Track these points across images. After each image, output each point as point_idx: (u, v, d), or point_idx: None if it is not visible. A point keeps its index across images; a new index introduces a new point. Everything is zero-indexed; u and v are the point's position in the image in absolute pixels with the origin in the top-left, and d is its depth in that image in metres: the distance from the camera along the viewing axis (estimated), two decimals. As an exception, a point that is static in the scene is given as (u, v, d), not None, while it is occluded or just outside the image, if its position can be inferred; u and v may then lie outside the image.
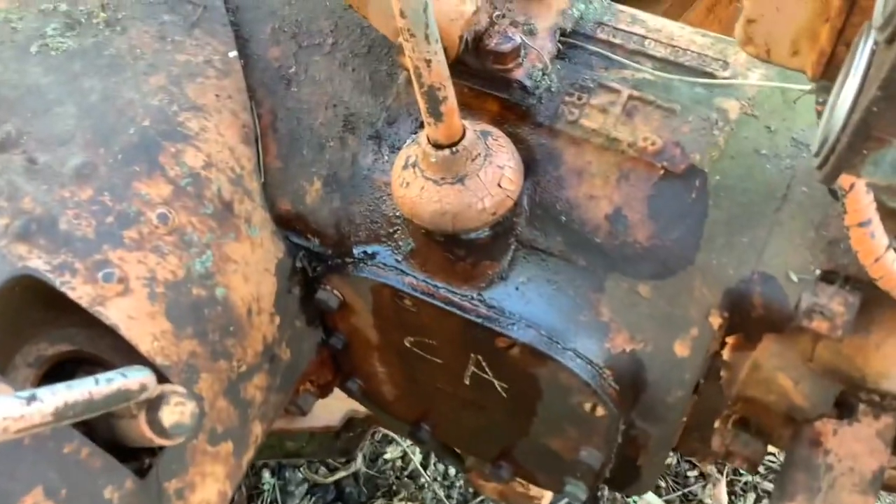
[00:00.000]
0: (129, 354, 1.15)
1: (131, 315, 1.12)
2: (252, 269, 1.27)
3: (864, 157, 0.78)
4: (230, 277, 1.23)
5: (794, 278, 1.12)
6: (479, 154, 1.12)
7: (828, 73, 0.94)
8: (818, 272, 1.13)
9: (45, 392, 0.86)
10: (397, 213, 1.26)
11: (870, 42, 0.78)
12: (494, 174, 1.13)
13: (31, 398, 0.85)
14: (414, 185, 1.13)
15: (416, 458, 2.84)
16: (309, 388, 1.61)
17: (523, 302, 1.23)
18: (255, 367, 1.30)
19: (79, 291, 1.10)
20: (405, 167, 1.16)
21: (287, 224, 1.33)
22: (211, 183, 1.23)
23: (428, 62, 0.98)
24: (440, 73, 1.00)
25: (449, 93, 1.03)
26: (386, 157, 1.28)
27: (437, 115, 1.04)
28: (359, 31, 1.32)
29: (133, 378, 0.99)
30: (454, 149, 1.09)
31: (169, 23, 1.31)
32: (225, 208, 1.24)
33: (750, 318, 1.16)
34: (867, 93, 0.74)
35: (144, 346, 1.13)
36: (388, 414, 1.66)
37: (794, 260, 1.13)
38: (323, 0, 1.33)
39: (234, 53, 1.30)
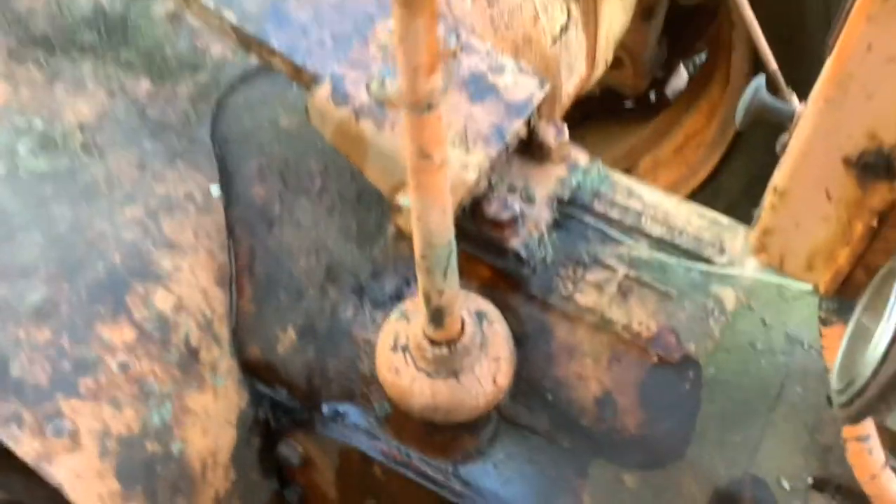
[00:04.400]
0: (70, 510, 1.04)
1: (79, 474, 1.02)
2: (213, 422, 1.17)
3: (891, 406, 0.74)
4: (188, 431, 1.14)
5: (787, 486, 1.08)
6: (476, 345, 1.07)
7: (842, 291, 0.92)
8: (810, 480, 1.09)
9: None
10: (374, 374, 1.19)
11: (905, 289, 0.75)
12: (490, 369, 1.08)
13: None
14: (405, 373, 1.07)
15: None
16: (254, 535, 1.50)
17: (501, 481, 1.16)
18: (202, 527, 1.20)
19: (25, 447, 1.00)
20: (395, 349, 1.09)
21: (255, 372, 1.25)
22: (179, 328, 1.15)
23: (440, 293, 0.95)
24: (451, 298, 0.96)
25: (455, 309, 0.99)
26: (367, 313, 1.21)
27: (438, 324, 1.00)
28: (349, 176, 1.27)
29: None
30: (451, 347, 1.04)
31: (150, 151, 1.24)
32: (191, 355, 1.15)
33: (737, 521, 1.11)
34: (906, 347, 0.71)
35: (88, 508, 1.03)
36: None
37: (787, 465, 1.09)
38: (314, 140, 1.28)
39: (216, 189, 1.24)
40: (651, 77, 2.71)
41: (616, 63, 2.21)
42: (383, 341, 1.10)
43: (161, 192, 1.21)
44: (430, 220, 0.85)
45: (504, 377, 1.09)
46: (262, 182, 1.27)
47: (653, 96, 2.96)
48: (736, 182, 2.59)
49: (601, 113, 2.99)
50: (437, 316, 0.98)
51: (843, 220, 0.86)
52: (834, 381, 0.81)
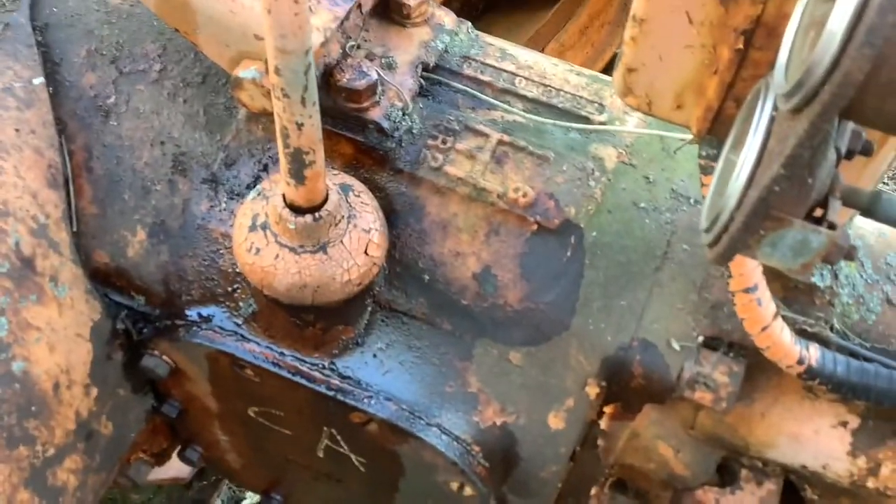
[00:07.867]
0: None
1: None
2: (60, 336, 1.07)
3: (760, 238, 0.68)
4: (31, 348, 1.03)
5: (676, 346, 1.03)
6: (343, 217, 0.98)
7: (715, 128, 0.85)
8: (701, 339, 1.03)
9: None
10: (237, 269, 1.09)
11: (768, 105, 0.67)
12: (360, 240, 0.99)
13: None
14: (266, 252, 0.97)
15: (278, 501, 2.64)
16: (142, 457, 1.42)
17: (381, 371, 1.09)
18: (65, 449, 1.10)
19: None
20: (253, 228, 0.99)
21: (105, 280, 1.14)
22: (6, 235, 1.03)
23: (299, 126, 0.84)
24: (311, 136, 0.86)
25: (318, 156, 0.89)
26: (223, 205, 1.10)
27: (299, 179, 0.90)
28: (192, 57, 1.14)
29: None
30: (316, 214, 0.95)
31: (-42, 42, 1.09)
32: (24, 265, 1.04)
33: (629, 388, 1.06)
34: (767, 168, 0.64)
35: (-85, 440, 0.92)
36: (235, 482, 1.49)
37: (676, 325, 1.04)
38: (149, 19, 1.15)
39: (39, 80, 1.10)
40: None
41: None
42: (240, 223, 1.00)
43: (-27, 87, 1.07)
44: (280, 11, 0.73)
45: (376, 248, 1.00)
46: (92, 69, 1.14)
47: (554, -22, 2.85)
48: (642, 58, 2.51)
49: (504, 1, 2.87)
50: (297, 162, 0.87)
51: (707, 46, 0.78)
52: (703, 223, 0.74)
